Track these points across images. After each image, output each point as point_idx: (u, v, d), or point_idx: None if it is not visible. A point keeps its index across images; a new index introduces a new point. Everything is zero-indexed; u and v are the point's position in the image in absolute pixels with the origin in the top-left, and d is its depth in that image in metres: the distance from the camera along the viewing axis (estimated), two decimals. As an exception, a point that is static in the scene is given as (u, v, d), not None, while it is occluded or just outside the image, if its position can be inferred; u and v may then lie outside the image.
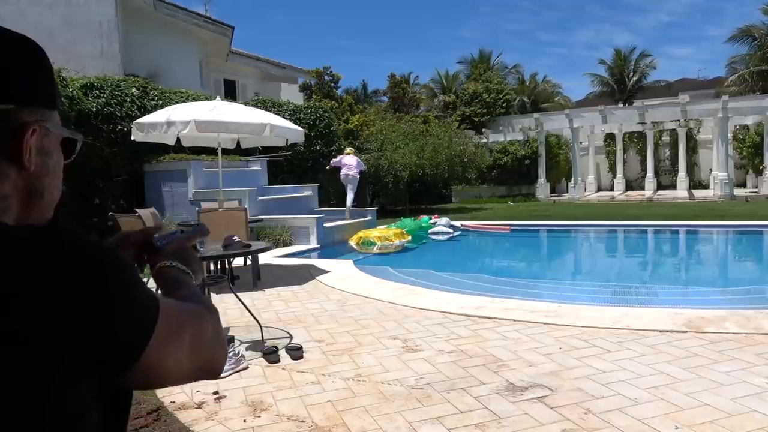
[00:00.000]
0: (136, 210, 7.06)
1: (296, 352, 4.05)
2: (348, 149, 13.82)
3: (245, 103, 12.27)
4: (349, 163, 12.78)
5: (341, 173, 12.82)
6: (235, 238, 4.79)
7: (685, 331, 4.30)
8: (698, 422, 2.81)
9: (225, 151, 9.88)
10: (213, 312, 0.80)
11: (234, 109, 7.62)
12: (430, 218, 12.74)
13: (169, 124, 6.80)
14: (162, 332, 0.66)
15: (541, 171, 23.12)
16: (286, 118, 12.35)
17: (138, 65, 14.32)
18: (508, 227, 13.26)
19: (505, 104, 28.61)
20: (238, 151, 10.72)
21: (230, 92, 19.13)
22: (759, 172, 20.82)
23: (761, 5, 32.77)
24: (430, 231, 12.27)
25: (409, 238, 10.90)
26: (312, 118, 15.13)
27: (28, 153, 0.68)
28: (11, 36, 0.70)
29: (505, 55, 58.06)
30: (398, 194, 18.89)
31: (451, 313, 5.07)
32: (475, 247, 12.10)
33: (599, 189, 26.27)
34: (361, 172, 13.01)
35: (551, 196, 22.95)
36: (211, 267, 6.40)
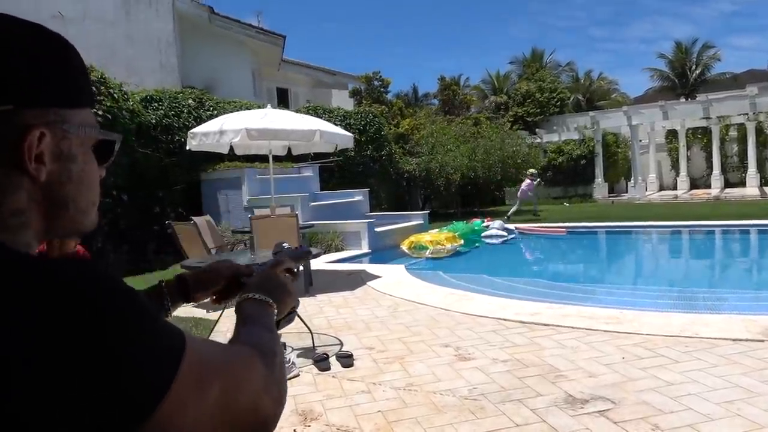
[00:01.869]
0: (192, 218, 7.23)
1: (347, 359, 4.00)
2: (530, 170, 16.15)
3: (297, 111, 12.43)
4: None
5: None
6: (285, 244, 4.79)
7: (762, 340, 3.98)
8: (781, 442, 2.57)
9: (277, 158, 10.03)
10: (268, 357, 0.68)
11: (284, 116, 7.70)
12: (483, 221, 12.51)
13: (222, 132, 6.93)
14: (185, 379, 0.55)
15: (598, 171, 22.33)
16: (337, 124, 12.43)
17: (194, 77, 14.79)
18: (563, 229, 12.85)
19: (559, 103, 27.92)
20: (290, 157, 10.85)
21: (283, 100, 19.48)
22: (839, 167, 19.45)
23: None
24: (483, 234, 12.03)
25: (462, 242, 10.73)
26: (362, 123, 15.17)
27: (31, 160, 0.59)
28: (20, 25, 0.61)
29: (558, 52, 56.69)
30: (450, 197, 18.68)
31: (505, 319, 4.90)
32: (530, 250, 11.78)
33: (661, 188, 25.16)
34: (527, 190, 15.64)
35: (609, 197, 22.13)
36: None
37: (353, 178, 14.32)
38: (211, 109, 11.92)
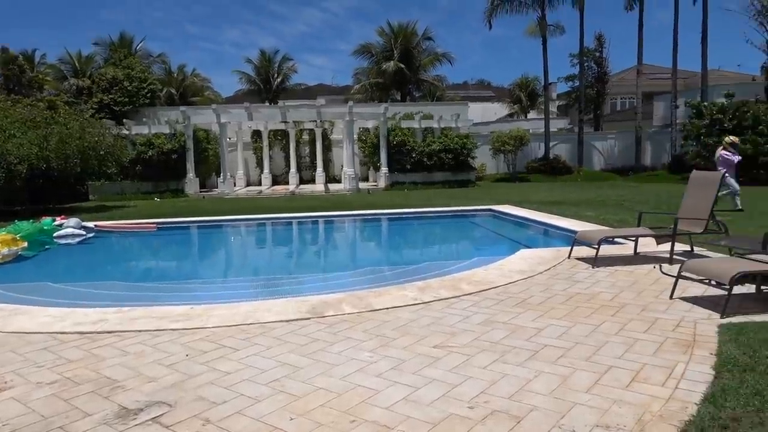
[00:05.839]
0: None
1: None
2: (729, 138, 12.72)
3: None
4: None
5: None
6: None
7: (309, 318, 4.57)
8: (311, 408, 2.94)
9: None
10: None
11: None
12: (54, 220, 10.96)
13: None
14: None
15: (190, 166, 22.49)
16: None
17: None
18: (154, 225, 12.39)
19: (149, 94, 26.85)
20: None
21: None
22: (377, 169, 24.58)
23: (376, 27, 38.98)
24: (55, 234, 10.57)
25: (25, 244, 9.20)
26: None
27: None
28: None
29: (150, 42, 54.71)
30: (14, 192, 15.75)
31: (62, 333, 4.30)
32: (113, 250, 10.89)
33: (248, 184, 27.08)
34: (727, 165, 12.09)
35: (201, 192, 22.57)
36: None
37: None
38: None
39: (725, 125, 21.70)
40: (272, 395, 3.10)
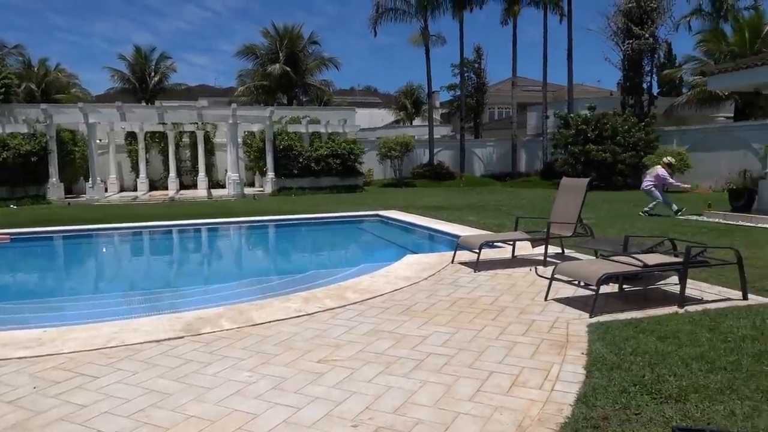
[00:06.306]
0: None
1: None
2: (667, 159, 13.64)
3: None
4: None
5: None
6: None
7: (182, 337, 4.23)
8: (180, 440, 2.66)
9: None
10: None
11: None
12: None
13: None
14: None
15: (53, 170, 20.46)
16: None
17: None
18: (7, 236, 11.05)
19: (4, 89, 24.14)
20: None
21: None
22: (263, 174, 23.91)
23: (261, 28, 38.08)
24: None
25: None
26: None
27: None
28: None
29: (4, 32, 49.39)
30: None
31: None
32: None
33: (122, 189, 25.20)
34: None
35: (67, 198, 20.62)
36: None
37: None
38: None
39: (589, 135, 23.64)
40: (136, 428, 2.78)
